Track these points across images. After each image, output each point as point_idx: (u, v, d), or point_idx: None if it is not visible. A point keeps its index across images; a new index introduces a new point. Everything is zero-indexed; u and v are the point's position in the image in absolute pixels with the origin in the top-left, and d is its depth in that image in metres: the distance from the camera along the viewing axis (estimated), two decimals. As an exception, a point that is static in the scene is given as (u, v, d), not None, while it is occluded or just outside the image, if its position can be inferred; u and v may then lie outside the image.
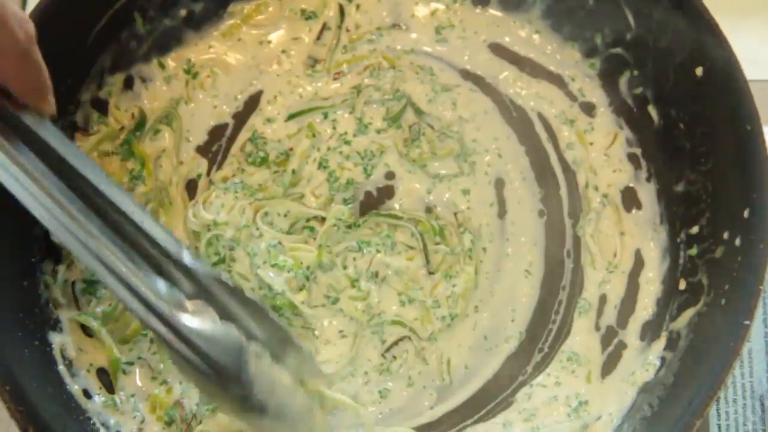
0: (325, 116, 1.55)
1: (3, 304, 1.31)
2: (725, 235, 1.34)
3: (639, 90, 1.53)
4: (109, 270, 1.05)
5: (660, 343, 1.42)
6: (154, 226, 1.09)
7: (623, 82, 1.55)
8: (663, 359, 1.40)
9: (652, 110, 1.51)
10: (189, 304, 1.09)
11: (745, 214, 1.29)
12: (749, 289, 1.25)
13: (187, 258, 1.10)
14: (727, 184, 1.36)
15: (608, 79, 1.58)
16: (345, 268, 1.45)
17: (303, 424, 1.28)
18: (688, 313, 1.38)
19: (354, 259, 1.46)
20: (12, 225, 1.36)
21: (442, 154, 1.53)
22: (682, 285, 1.43)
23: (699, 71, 1.39)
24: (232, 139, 1.55)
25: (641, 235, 1.51)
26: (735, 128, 1.33)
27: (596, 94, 1.59)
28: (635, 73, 1.53)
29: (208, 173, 1.53)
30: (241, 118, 1.56)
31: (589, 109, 1.58)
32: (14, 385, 1.20)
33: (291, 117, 1.55)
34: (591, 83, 1.59)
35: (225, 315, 1.14)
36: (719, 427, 1.38)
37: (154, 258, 1.09)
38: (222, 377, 1.12)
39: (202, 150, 1.54)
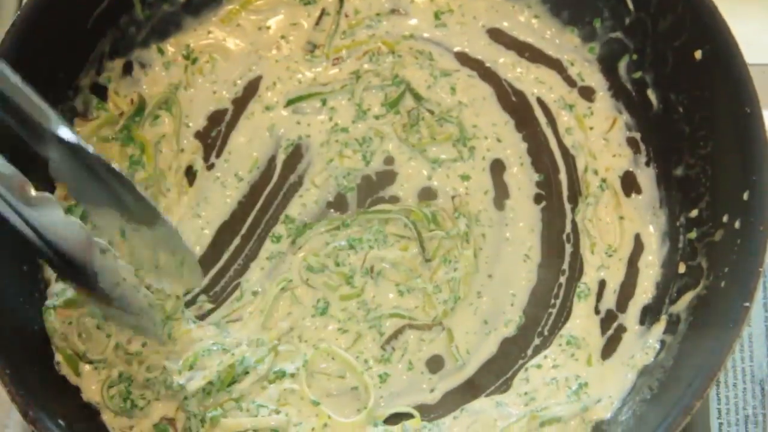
0: (324, 103, 1.55)
1: (3, 288, 1.31)
2: (725, 218, 1.34)
3: (638, 74, 1.53)
4: None
5: (659, 327, 1.42)
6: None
7: (622, 66, 1.55)
8: (663, 342, 1.40)
9: (652, 94, 1.51)
10: (33, 194, 1.07)
11: (745, 196, 1.29)
12: (749, 271, 1.25)
13: (62, 131, 1.07)
14: (727, 167, 1.36)
15: (607, 63, 1.58)
16: (338, 265, 1.45)
17: (147, 318, 1.29)
18: (688, 297, 1.38)
19: (348, 255, 1.46)
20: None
21: (441, 139, 1.53)
22: (682, 268, 1.43)
23: (698, 54, 1.39)
24: (231, 124, 1.55)
25: (640, 219, 1.51)
26: (734, 111, 1.33)
27: (595, 79, 1.59)
28: (634, 57, 1.53)
29: (207, 159, 1.53)
30: (241, 103, 1.57)
31: (588, 93, 1.58)
32: (15, 369, 1.20)
33: (290, 103, 1.55)
34: (590, 68, 1.59)
35: (85, 191, 1.14)
36: (719, 411, 1.38)
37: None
38: (69, 267, 1.15)
39: (201, 135, 1.55)
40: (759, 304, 1.43)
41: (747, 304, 1.23)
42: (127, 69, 1.54)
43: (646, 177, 1.53)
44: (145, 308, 1.28)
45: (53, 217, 1.10)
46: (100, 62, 1.50)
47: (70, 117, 1.48)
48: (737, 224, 1.31)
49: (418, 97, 1.55)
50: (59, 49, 1.40)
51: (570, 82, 1.59)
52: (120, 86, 1.53)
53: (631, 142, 1.55)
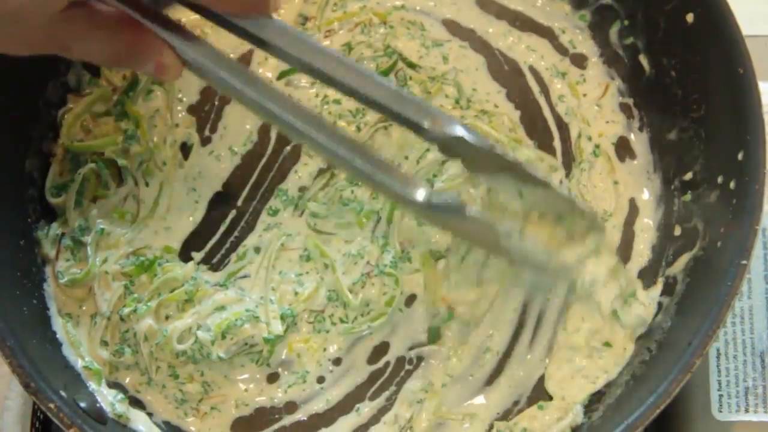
0: None
1: (1, 263, 1.31)
2: (719, 180, 1.35)
3: (629, 40, 1.53)
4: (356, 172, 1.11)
5: (656, 289, 1.42)
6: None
7: (614, 32, 1.55)
8: (660, 304, 1.40)
9: (643, 59, 1.51)
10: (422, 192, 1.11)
11: (740, 156, 1.30)
12: (745, 230, 1.26)
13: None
14: (721, 128, 1.37)
15: (598, 30, 1.58)
16: (345, 204, 1.47)
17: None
18: (684, 258, 1.39)
19: (352, 192, 1.48)
20: (8, 187, 1.37)
21: (435, 90, 1.53)
22: (677, 231, 1.44)
23: (690, 17, 1.39)
24: (224, 98, 1.55)
25: (635, 183, 1.51)
26: (727, 72, 1.34)
27: (587, 46, 1.59)
28: (625, 23, 1.53)
29: (201, 133, 1.53)
30: (234, 76, 1.56)
31: (580, 60, 1.58)
32: (15, 342, 1.21)
33: (281, 76, 1.55)
34: (581, 35, 1.59)
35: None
36: (719, 383, 1.38)
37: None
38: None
39: (194, 109, 1.54)
40: (760, 276, 1.43)
41: (744, 261, 1.24)
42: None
43: (640, 142, 1.53)
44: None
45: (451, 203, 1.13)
46: (92, 37, 1.50)
47: (63, 92, 1.48)
48: (732, 185, 1.31)
49: (411, 66, 1.55)
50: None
51: (561, 50, 1.59)
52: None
53: (624, 108, 1.55)
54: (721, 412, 1.38)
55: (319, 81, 1.12)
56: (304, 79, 1.55)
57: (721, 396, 1.38)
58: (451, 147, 1.10)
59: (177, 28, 1.13)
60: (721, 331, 1.38)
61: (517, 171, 1.16)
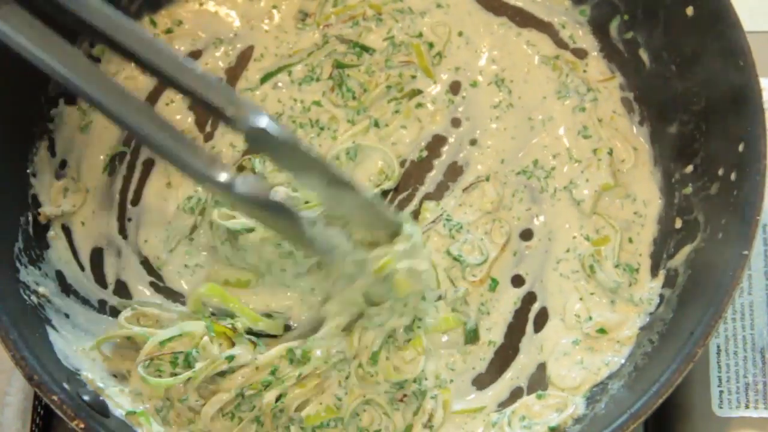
0: (289, 74, 1.56)
1: (3, 258, 1.32)
2: (720, 172, 1.35)
3: (629, 34, 1.53)
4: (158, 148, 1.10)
5: (658, 282, 1.43)
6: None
7: (613, 27, 1.55)
8: (661, 296, 1.41)
9: (644, 53, 1.52)
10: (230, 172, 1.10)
11: (740, 148, 1.30)
12: (747, 220, 1.26)
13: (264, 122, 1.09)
14: (721, 121, 1.37)
15: (598, 25, 1.58)
16: None
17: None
18: (686, 250, 1.39)
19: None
20: (10, 184, 1.38)
21: (374, 89, 1.55)
22: (678, 224, 1.44)
23: (689, 11, 1.40)
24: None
25: (636, 177, 1.52)
26: (727, 64, 1.34)
27: (587, 41, 1.59)
28: (625, 17, 1.54)
29: (202, 129, 1.54)
30: (233, 73, 1.57)
31: (580, 55, 1.59)
32: (17, 335, 1.20)
33: (264, 80, 1.56)
34: (581, 30, 1.59)
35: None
36: (720, 379, 1.38)
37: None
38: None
39: (194, 106, 1.54)
40: (760, 272, 1.43)
41: (746, 252, 1.24)
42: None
43: (641, 136, 1.53)
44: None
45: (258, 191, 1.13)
46: (93, 35, 1.49)
47: (64, 90, 1.48)
48: (733, 176, 1.32)
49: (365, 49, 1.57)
50: (52, 22, 1.40)
51: (562, 44, 1.59)
52: (113, 58, 1.54)
53: (625, 102, 1.55)
54: (721, 408, 1.38)
55: (131, 62, 1.11)
56: (282, 82, 1.56)
57: (721, 392, 1.38)
58: (257, 139, 1.09)
59: None
60: (721, 328, 1.39)
61: (322, 171, 1.18)
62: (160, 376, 1.30)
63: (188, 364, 1.31)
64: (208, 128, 1.54)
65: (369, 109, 1.54)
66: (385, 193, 1.50)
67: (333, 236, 1.27)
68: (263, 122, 1.08)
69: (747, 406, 1.38)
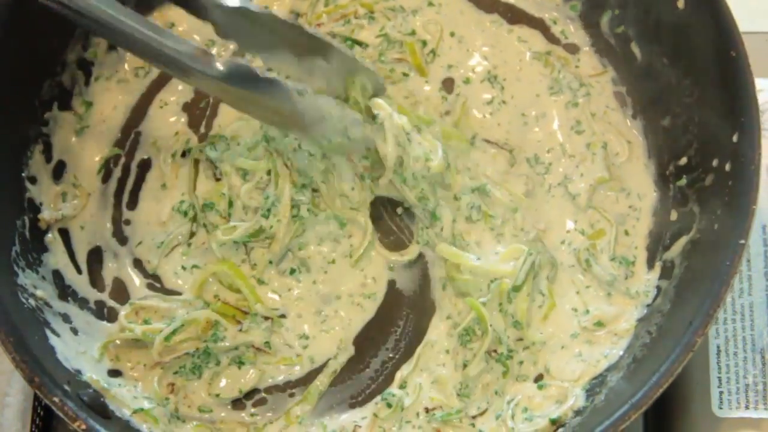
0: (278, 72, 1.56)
1: (2, 259, 1.31)
2: (714, 163, 1.35)
3: (621, 29, 1.54)
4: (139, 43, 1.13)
5: (654, 273, 1.43)
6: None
7: (605, 22, 1.56)
8: (658, 288, 1.41)
9: (635, 47, 1.52)
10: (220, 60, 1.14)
11: (734, 138, 1.31)
12: (743, 210, 1.26)
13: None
14: (714, 112, 1.37)
15: (590, 20, 1.59)
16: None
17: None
18: (682, 242, 1.39)
19: None
20: (6, 185, 1.38)
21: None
22: (674, 215, 1.44)
23: (681, 3, 1.40)
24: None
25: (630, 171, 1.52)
26: (719, 55, 1.34)
27: (578, 36, 1.60)
28: (616, 12, 1.54)
29: (197, 130, 1.54)
30: (227, 74, 1.56)
31: (572, 51, 1.59)
32: (18, 337, 1.20)
33: None
34: (573, 25, 1.60)
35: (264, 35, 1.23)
36: (720, 379, 1.38)
37: None
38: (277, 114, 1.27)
39: (188, 107, 1.56)
40: (760, 273, 1.43)
41: (743, 241, 1.24)
42: (113, 44, 1.53)
43: (634, 129, 1.54)
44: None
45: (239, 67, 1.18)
46: (86, 38, 1.50)
47: (58, 92, 1.49)
48: (727, 167, 1.32)
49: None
50: (45, 25, 1.40)
51: (553, 40, 1.60)
52: (106, 61, 1.54)
53: (617, 96, 1.56)
54: (721, 408, 1.38)
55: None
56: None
57: (721, 393, 1.38)
58: (230, 21, 1.14)
59: None
60: (721, 328, 1.39)
61: (299, 35, 1.23)
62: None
63: (208, 355, 1.36)
64: (202, 129, 1.54)
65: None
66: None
67: (322, 104, 1.29)
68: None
69: (747, 407, 1.37)
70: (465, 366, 1.38)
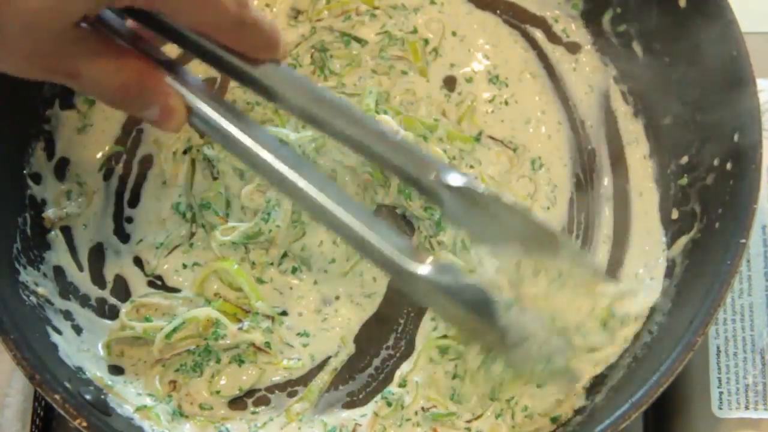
0: None
1: (3, 258, 1.32)
2: (715, 162, 1.35)
3: (622, 27, 1.54)
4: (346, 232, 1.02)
5: (659, 272, 1.43)
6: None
7: (606, 20, 1.56)
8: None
9: (637, 46, 1.52)
10: (428, 260, 1.01)
11: (735, 137, 1.31)
12: (744, 209, 1.26)
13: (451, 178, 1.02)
14: (715, 111, 1.37)
15: (591, 18, 1.58)
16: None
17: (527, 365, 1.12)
18: (682, 241, 1.40)
19: None
20: (7, 185, 1.38)
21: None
22: (675, 215, 1.44)
23: (682, 2, 1.40)
24: (221, 90, 1.56)
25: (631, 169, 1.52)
26: (721, 55, 1.34)
27: (580, 34, 1.59)
28: (618, 10, 1.54)
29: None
30: (229, 72, 1.56)
31: (573, 49, 1.59)
32: (18, 335, 1.20)
33: None
34: (574, 23, 1.60)
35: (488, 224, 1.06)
36: (719, 380, 1.38)
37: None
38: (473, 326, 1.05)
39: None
40: (760, 273, 1.43)
41: (743, 240, 1.24)
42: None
43: (635, 128, 1.54)
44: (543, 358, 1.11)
45: (448, 278, 1.01)
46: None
47: (59, 91, 1.48)
48: (728, 166, 1.32)
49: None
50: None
51: (555, 39, 1.60)
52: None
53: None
54: (721, 409, 1.38)
55: (318, 130, 1.08)
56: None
57: (721, 393, 1.38)
58: (455, 203, 1.02)
59: (184, 74, 1.06)
60: (721, 329, 1.39)
61: (525, 226, 1.05)
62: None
63: (209, 352, 1.36)
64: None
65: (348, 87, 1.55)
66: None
67: (528, 322, 1.07)
68: (460, 179, 1.01)
69: (747, 407, 1.37)
70: (454, 377, 1.39)
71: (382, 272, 1.15)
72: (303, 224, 1.42)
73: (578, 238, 1.49)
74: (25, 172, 1.43)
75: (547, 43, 1.60)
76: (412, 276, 1.00)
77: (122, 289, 1.45)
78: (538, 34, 1.60)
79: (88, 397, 1.24)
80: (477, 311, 1.02)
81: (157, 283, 1.45)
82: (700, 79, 1.40)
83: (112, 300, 1.44)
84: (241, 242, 1.41)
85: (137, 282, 1.46)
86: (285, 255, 1.44)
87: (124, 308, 1.39)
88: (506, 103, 1.55)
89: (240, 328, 1.38)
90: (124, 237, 1.48)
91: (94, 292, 1.44)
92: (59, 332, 1.33)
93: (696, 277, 1.33)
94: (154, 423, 1.31)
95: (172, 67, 1.06)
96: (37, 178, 1.44)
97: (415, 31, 1.57)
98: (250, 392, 1.39)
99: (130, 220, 1.49)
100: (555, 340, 1.09)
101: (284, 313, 1.43)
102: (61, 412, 1.17)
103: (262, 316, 1.40)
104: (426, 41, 1.56)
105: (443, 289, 1.00)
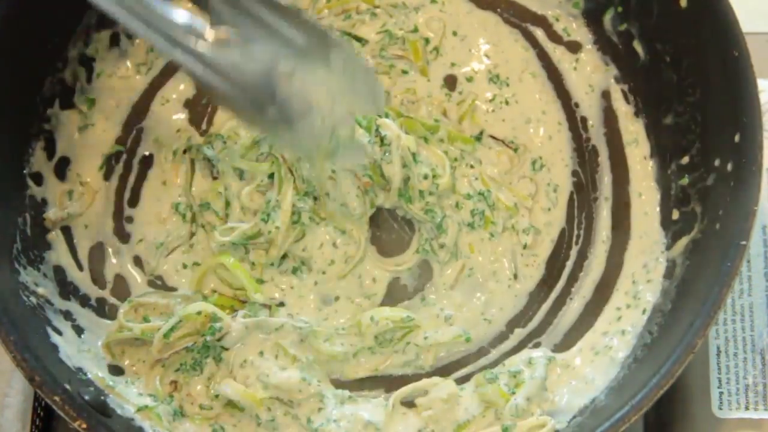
0: None
1: (3, 258, 1.31)
2: (716, 162, 1.35)
3: (623, 26, 1.53)
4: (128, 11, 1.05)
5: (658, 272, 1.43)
6: None
7: (607, 19, 1.55)
8: (660, 287, 1.41)
9: (638, 45, 1.52)
10: (210, 33, 1.07)
11: (736, 138, 1.30)
12: (744, 210, 1.26)
13: None
14: (716, 111, 1.37)
15: (592, 17, 1.58)
16: None
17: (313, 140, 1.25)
18: (683, 242, 1.39)
19: None
20: (8, 184, 1.38)
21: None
22: (675, 215, 1.44)
23: (683, 2, 1.40)
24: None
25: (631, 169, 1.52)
26: (722, 55, 1.34)
27: (581, 33, 1.59)
28: (619, 9, 1.53)
29: (198, 126, 1.54)
30: (228, 70, 1.56)
31: (574, 48, 1.59)
32: (18, 336, 1.20)
33: None
34: (575, 22, 1.60)
35: (257, 26, 1.12)
36: (720, 380, 1.38)
37: None
38: (255, 101, 1.13)
39: (190, 104, 1.55)
40: (760, 273, 1.43)
41: (744, 242, 1.24)
42: (114, 40, 1.54)
43: (636, 128, 1.54)
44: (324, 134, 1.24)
45: (233, 55, 1.09)
46: (87, 34, 1.50)
47: (59, 89, 1.48)
48: (729, 167, 1.32)
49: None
50: (47, 21, 1.40)
51: (555, 38, 1.60)
52: (107, 57, 1.53)
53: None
54: (721, 409, 1.38)
55: None
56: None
57: (721, 393, 1.38)
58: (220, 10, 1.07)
59: None
60: (721, 329, 1.39)
61: (296, 22, 1.13)
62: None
63: (207, 348, 1.36)
64: (204, 126, 1.54)
65: None
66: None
67: (311, 93, 1.19)
68: None
69: (747, 408, 1.37)
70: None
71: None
72: (303, 225, 1.42)
73: (578, 238, 1.49)
74: (25, 172, 1.42)
75: (548, 42, 1.60)
76: (193, 53, 1.05)
77: (122, 289, 1.45)
78: (539, 33, 1.60)
79: (87, 398, 1.24)
80: (260, 85, 1.11)
81: (157, 283, 1.45)
82: (700, 80, 1.40)
83: (112, 300, 1.44)
84: (241, 243, 1.41)
85: (137, 281, 1.46)
86: (285, 256, 1.44)
87: (122, 309, 1.39)
88: (507, 102, 1.54)
89: (234, 317, 1.38)
90: (124, 237, 1.48)
91: (95, 292, 1.44)
92: (59, 333, 1.33)
93: (696, 278, 1.33)
94: (155, 423, 1.31)
95: None
96: (37, 178, 1.44)
97: (415, 30, 1.57)
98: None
99: (130, 219, 1.49)
100: (338, 109, 1.19)
101: (282, 304, 1.43)
102: (61, 413, 1.17)
103: (259, 305, 1.40)
104: (427, 40, 1.56)
105: (226, 67, 1.07)
